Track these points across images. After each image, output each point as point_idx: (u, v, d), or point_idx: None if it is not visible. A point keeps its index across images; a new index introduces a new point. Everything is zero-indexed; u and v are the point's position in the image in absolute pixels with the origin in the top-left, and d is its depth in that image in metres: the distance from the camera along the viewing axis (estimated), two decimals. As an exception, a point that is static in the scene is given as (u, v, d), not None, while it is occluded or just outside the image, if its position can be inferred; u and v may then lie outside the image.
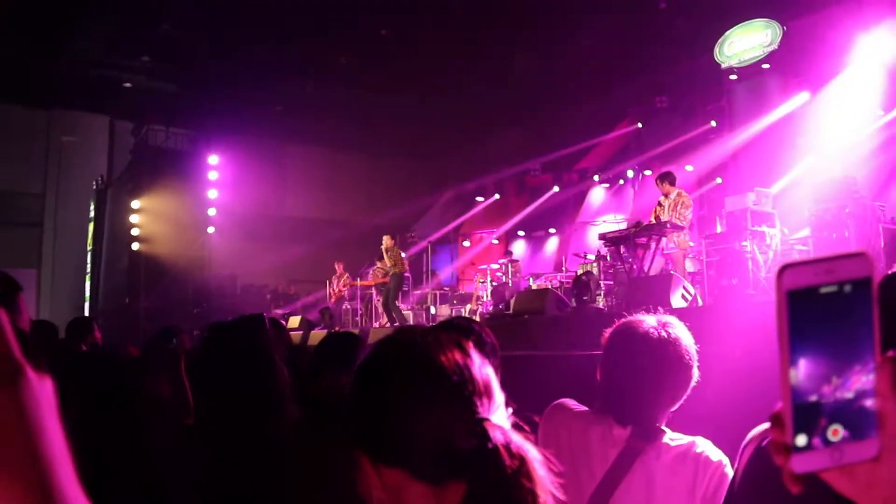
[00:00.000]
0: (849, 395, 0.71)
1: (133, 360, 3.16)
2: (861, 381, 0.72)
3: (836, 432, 0.71)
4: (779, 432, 0.73)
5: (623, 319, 2.36)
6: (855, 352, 0.72)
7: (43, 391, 0.68)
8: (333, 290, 17.13)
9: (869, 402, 0.71)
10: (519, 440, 1.08)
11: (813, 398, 0.72)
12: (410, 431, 1.11)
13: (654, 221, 10.72)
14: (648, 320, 2.28)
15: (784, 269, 0.74)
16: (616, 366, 2.28)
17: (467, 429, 1.09)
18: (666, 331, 2.24)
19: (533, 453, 1.07)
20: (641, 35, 15.96)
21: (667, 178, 11.18)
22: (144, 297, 16.94)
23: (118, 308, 17.73)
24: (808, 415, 0.72)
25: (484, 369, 1.20)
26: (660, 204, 11.03)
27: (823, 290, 0.73)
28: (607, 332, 2.36)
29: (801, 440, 0.72)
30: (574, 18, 15.73)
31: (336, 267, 17.27)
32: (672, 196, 10.89)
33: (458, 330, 2.61)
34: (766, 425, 1.83)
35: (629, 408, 2.22)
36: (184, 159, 18.38)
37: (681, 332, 2.28)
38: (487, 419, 1.11)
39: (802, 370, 0.72)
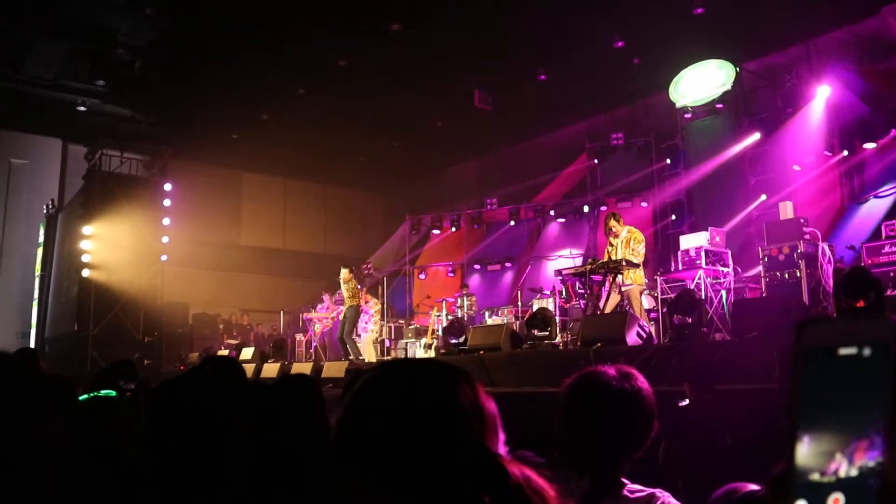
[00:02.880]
0: (853, 472, 0.66)
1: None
2: (866, 458, 0.66)
3: (837, 501, 0.66)
4: (779, 499, 0.69)
5: (583, 370, 2.32)
6: (864, 424, 0.66)
7: None
8: (319, 320, 16.90)
9: (873, 482, 0.65)
10: (536, 476, 1.10)
11: (814, 477, 0.67)
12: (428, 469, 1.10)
13: (607, 259, 10.75)
14: (609, 372, 2.25)
15: (804, 326, 0.70)
16: (576, 418, 2.24)
17: (483, 464, 1.08)
18: (628, 383, 2.21)
19: (550, 491, 1.10)
20: (598, 72, 16.17)
21: (616, 219, 11.10)
22: (93, 326, 16.58)
23: (65, 336, 17.35)
24: (809, 489, 0.67)
25: (490, 404, 1.21)
26: (610, 244, 10.98)
27: (842, 351, 0.68)
28: (566, 382, 2.32)
29: None
30: (531, 55, 15.90)
31: (324, 297, 17.09)
32: (623, 235, 10.88)
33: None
34: (734, 486, 1.81)
35: (589, 460, 2.18)
36: (137, 185, 18.13)
37: (642, 384, 2.26)
38: (502, 455, 1.14)
39: (808, 444, 0.67)
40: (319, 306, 17.10)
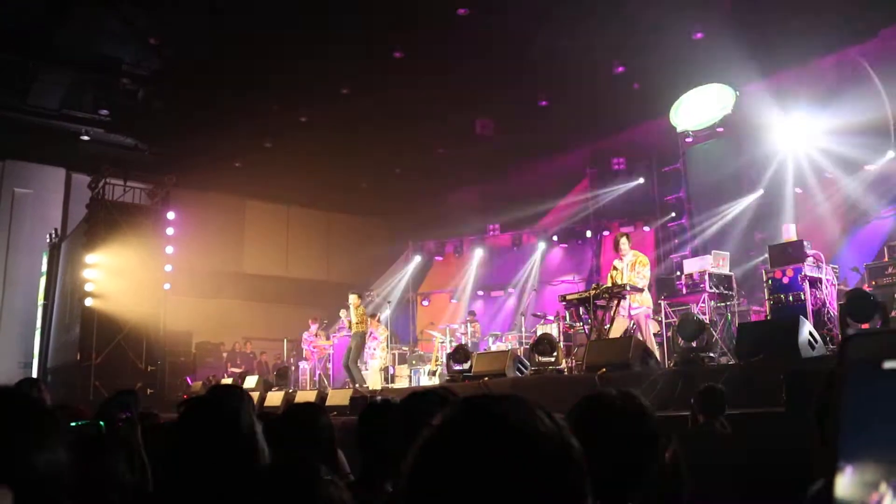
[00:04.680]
0: None
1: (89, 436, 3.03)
2: None
3: None
4: None
5: (586, 395, 2.30)
6: None
7: None
8: (308, 348, 16.79)
9: None
10: None
11: None
12: None
13: (611, 285, 10.72)
14: (611, 393, 2.24)
15: (851, 338, 0.64)
16: (583, 444, 2.21)
17: None
18: (633, 404, 2.20)
19: None
20: (599, 98, 16.24)
21: (628, 239, 11.18)
22: (96, 355, 16.52)
23: (68, 365, 17.28)
24: None
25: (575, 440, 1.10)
26: (615, 268, 11.00)
27: (887, 364, 0.62)
28: (571, 408, 2.29)
29: None
30: (532, 81, 15.97)
31: (310, 323, 16.97)
32: (628, 257, 10.90)
33: (436, 400, 2.56)
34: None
35: (598, 486, 2.15)
36: (141, 214, 18.14)
37: (645, 404, 2.24)
38: None
39: (850, 473, 0.61)
40: (306, 333, 16.92)
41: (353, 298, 14.30)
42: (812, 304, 9.82)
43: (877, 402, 0.62)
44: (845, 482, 0.62)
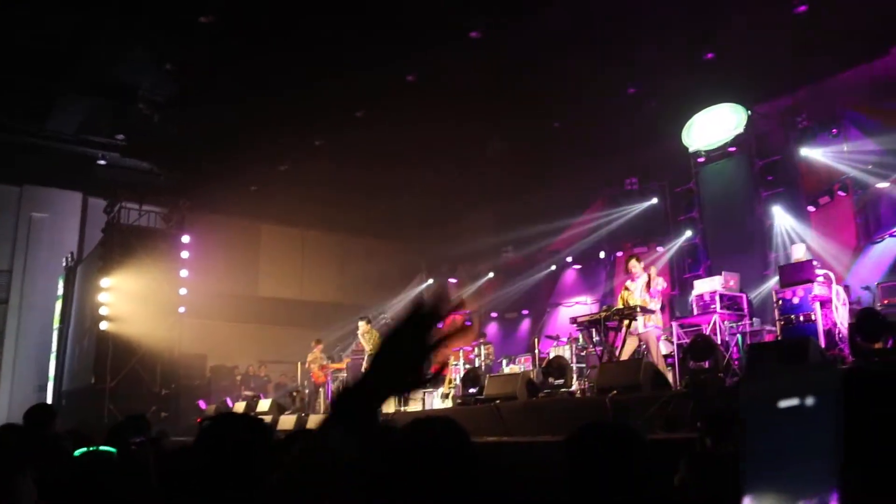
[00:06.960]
0: None
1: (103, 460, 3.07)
2: None
3: None
4: None
5: (588, 421, 2.32)
6: (813, 480, 0.61)
7: None
8: (312, 372, 16.62)
9: None
10: None
11: None
12: None
13: (622, 306, 10.74)
14: (610, 422, 2.27)
15: (742, 381, 0.66)
16: (586, 469, 2.23)
17: None
18: (631, 431, 2.23)
19: None
20: (611, 119, 16.28)
21: (636, 259, 11.26)
22: (111, 378, 16.58)
23: (83, 389, 17.34)
24: None
25: None
26: (626, 288, 11.03)
27: (783, 403, 0.64)
28: (570, 434, 2.31)
29: None
30: (545, 102, 16.02)
31: (313, 346, 16.53)
32: (641, 278, 10.93)
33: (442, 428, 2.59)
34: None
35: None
36: (156, 238, 18.25)
37: (639, 434, 2.27)
38: None
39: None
40: (310, 355, 16.56)
41: (361, 325, 14.21)
42: (823, 324, 9.78)
43: (777, 440, 0.64)
44: None
